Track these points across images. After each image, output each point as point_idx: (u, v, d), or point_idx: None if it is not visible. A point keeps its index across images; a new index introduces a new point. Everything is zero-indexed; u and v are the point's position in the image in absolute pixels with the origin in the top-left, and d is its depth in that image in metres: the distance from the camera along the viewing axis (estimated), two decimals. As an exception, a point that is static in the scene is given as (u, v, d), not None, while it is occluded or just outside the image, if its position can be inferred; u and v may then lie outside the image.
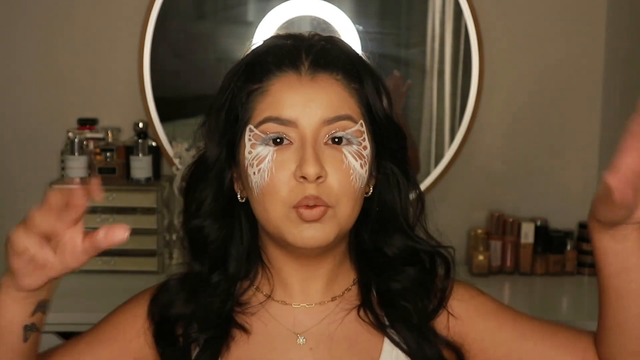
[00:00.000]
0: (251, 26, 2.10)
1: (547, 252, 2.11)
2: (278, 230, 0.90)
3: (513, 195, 2.20)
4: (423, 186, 2.03)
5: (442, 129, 2.16)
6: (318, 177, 0.87)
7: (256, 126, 0.90)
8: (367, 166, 0.91)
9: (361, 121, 0.91)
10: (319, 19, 2.08)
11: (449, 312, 0.96)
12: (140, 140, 2.06)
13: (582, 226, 2.14)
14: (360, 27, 2.09)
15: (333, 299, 0.97)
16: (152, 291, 0.98)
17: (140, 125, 2.09)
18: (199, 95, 2.12)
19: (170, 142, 2.11)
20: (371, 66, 0.96)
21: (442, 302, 0.96)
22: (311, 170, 0.86)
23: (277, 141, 0.89)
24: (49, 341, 1.77)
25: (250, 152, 0.90)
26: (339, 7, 2.08)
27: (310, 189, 0.87)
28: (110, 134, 2.11)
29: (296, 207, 0.87)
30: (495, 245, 2.10)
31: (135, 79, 2.12)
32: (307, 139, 0.88)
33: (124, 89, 2.15)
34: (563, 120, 2.20)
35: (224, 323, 0.94)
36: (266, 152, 0.89)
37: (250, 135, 0.90)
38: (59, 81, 2.16)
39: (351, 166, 0.89)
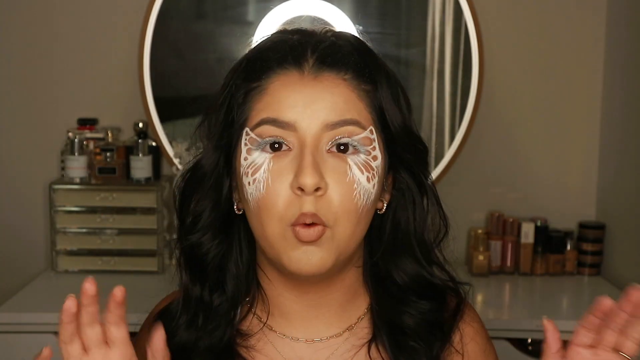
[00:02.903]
0: (251, 26, 2.10)
1: (547, 252, 2.11)
2: (274, 251, 0.80)
3: (513, 195, 2.20)
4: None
5: (442, 129, 2.16)
6: (317, 189, 0.77)
7: (252, 129, 0.80)
8: (375, 180, 0.81)
9: (371, 127, 0.81)
10: (319, 19, 2.07)
11: (459, 353, 0.88)
12: (140, 140, 2.06)
13: (582, 226, 2.14)
14: (360, 27, 2.08)
15: (342, 332, 0.87)
16: (154, 317, 0.92)
17: (140, 125, 2.09)
18: (199, 95, 2.12)
19: (170, 142, 2.11)
20: (389, 68, 0.86)
21: (449, 338, 0.87)
22: (309, 180, 0.76)
23: (275, 146, 0.79)
24: (49, 341, 1.77)
25: (246, 159, 0.80)
26: (339, 7, 2.08)
27: (308, 205, 0.77)
28: (110, 134, 2.11)
29: (294, 225, 0.78)
30: (495, 245, 2.10)
31: (135, 79, 2.11)
32: (307, 145, 0.78)
33: (124, 89, 2.15)
34: (563, 120, 2.20)
35: (226, 356, 0.86)
36: (262, 159, 0.79)
37: (246, 140, 0.81)
38: (59, 81, 2.16)
39: (355, 179, 0.79)
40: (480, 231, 2.09)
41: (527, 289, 2.06)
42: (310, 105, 0.79)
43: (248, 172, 0.80)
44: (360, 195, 0.79)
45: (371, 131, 0.81)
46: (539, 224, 2.12)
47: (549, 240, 2.11)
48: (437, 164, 2.14)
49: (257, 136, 0.80)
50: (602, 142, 2.19)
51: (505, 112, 2.19)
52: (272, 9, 2.08)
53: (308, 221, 0.77)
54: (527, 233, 2.10)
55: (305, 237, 0.77)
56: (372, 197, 0.81)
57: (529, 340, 1.85)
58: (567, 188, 2.21)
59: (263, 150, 0.80)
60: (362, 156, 0.80)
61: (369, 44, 0.87)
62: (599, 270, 2.13)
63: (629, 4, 2.05)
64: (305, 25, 0.88)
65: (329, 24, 2.07)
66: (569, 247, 2.12)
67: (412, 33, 2.18)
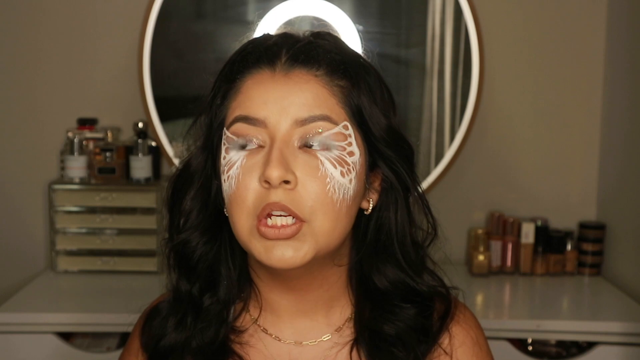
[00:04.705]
0: (251, 26, 2.10)
1: (547, 252, 2.11)
2: (246, 246, 0.81)
3: (513, 195, 2.20)
4: (423, 186, 2.00)
5: (442, 129, 2.16)
6: (286, 183, 0.77)
7: (228, 127, 0.82)
8: (352, 175, 0.80)
9: (345, 123, 0.80)
10: (319, 19, 2.07)
11: (447, 354, 0.87)
12: (140, 140, 2.06)
13: (582, 226, 2.14)
14: (360, 27, 2.08)
15: (330, 333, 0.88)
16: (143, 320, 0.93)
17: (140, 125, 2.09)
18: (199, 95, 2.11)
19: (170, 142, 2.11)
20: (371, 67, 0.86)
21: (435, 341, 0.86)
22: (274, 172, 0.76)
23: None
24: (49, 341, 1.78)
25: (224, 158, 0.82)
26: (339, 7, 2.08)
27: (274, 195, 0.77)
28: (110, 134, 2.11)
29: (259, 218, 0.78)
30: (495, 245, 2.10)
31: (135, 79, 2.12)
32: (276, 140, 0.78)
33: (124, 89, 2.15)
34: (563, 120, 2.20)
35: (220, 353, 0.86)
36: (238, 157, 0.80)
37: (224, 139, 0.82)
38: (59, 81, 2.16)
39: (328, 174, 0.78)
40: (480, 231, 2.09)
41: (527, 289, 2.06)
42: (280, 101, 0.79)
43: (224, 170, 0.81)
44: (334, 190, 0.78)
45: (345, 127, 0.80)
46: (539, 224, 2.12)
47: (549, 240, 2.11)
48: (437, 164, 2.14)
49: (233, 135, 0.81)
50: (603, 142, 2.19)
51: (505, 112, 2.19)
52: (272, 9, 2.07)
53: (276, 213, 0.77)
54: (527, 233, 2.10)
55: (271, 236, 0.77)
56: (350, 192, 0.80)
57: (529, 340, 1.85)
58: (567, 188, 2.21)
59: (239, 149, 0.81)
60: (336, 152, 0.79)
61: (361, 44, 0.88)
62: (599, 270, 2.12)
63: (629, 4, 2.05)
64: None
65: (329, 24, 2.07)
66: (569, 247, 2.12)
67: (412, 33, 2.18)
